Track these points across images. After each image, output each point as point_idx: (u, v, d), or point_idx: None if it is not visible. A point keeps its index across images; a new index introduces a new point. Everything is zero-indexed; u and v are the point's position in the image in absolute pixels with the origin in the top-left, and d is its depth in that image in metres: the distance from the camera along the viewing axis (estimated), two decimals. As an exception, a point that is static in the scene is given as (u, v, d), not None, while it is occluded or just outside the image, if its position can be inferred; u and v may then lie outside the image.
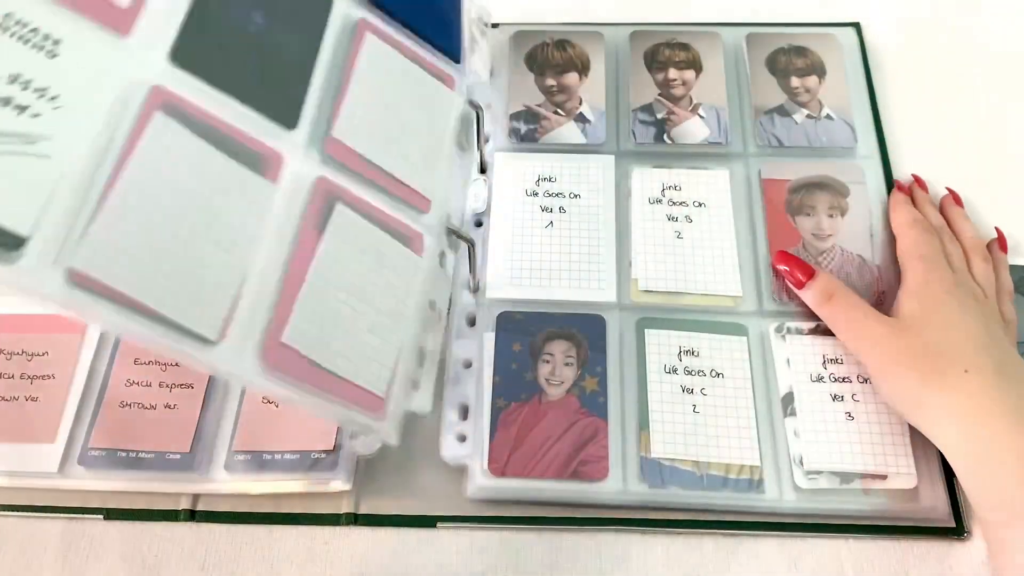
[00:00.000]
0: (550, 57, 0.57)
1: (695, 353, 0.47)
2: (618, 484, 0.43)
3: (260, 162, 0.35)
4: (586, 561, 0.43)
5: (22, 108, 0.28)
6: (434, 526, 0.44)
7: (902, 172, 0.54)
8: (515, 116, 0.55)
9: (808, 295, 0.46)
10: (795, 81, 0.56)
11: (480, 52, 0.51)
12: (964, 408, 0.39)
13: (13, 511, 0.45)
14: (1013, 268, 0.50)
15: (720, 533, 0.43)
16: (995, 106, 0.57)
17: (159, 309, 0.31)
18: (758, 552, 0.43)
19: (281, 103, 0.37)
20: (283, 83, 0.38)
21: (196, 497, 0.45)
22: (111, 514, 0.44)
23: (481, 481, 0.43)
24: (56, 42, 0.30)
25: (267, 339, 0.34)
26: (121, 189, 0.30)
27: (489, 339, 0.47)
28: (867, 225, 0.51)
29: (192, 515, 0.44)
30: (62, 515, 0.45)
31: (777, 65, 0.57)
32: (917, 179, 0.52)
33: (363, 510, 0.44)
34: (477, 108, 0.48)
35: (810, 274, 0.46)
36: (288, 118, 0.37)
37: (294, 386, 0.35)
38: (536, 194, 0.52)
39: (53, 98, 0.29)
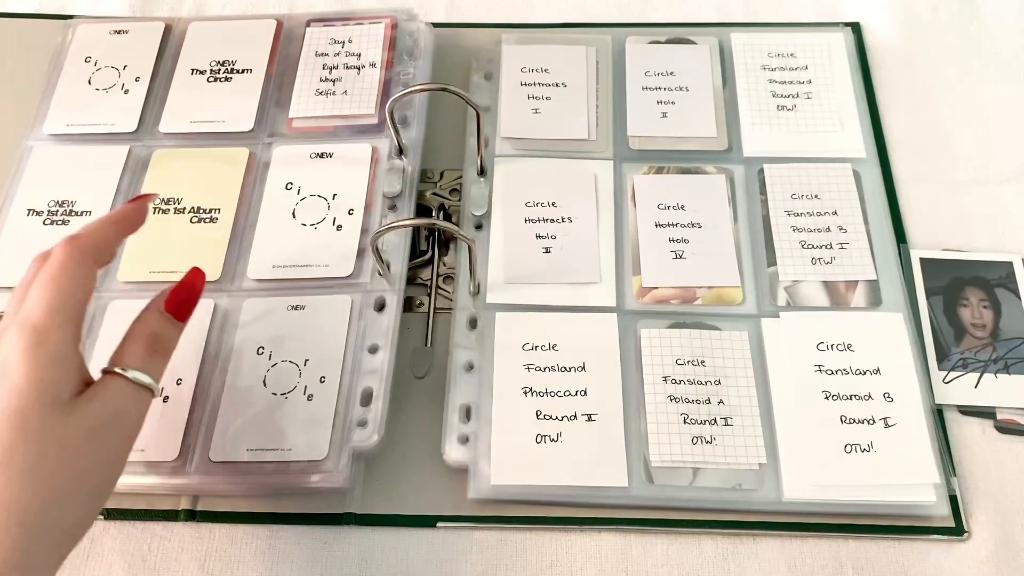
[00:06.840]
0: None
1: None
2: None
3: None
4: (586, 561, 0.43)
5: None
6: (434, 526, 0.44)
7: (901, 172, 0.54)
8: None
9: None
10: None
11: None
12: None
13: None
14: (997, 264, 0.50)
15: (720, 533, 0.43)
16: (995, 106, 0.57)
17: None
18: (758, 552, 0.43)
19: None
20: None
21: (196, 497, 0.45)
22: (111, 514, 0.44)
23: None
24: None
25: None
26: None
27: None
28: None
29: (192, 515, 0.44)
30: (62, 515, 0.45)
31: None
32: None
33: (363, 510, 0.44)
34: (476, 110, 0.48)
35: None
36: None
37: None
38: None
39: None
